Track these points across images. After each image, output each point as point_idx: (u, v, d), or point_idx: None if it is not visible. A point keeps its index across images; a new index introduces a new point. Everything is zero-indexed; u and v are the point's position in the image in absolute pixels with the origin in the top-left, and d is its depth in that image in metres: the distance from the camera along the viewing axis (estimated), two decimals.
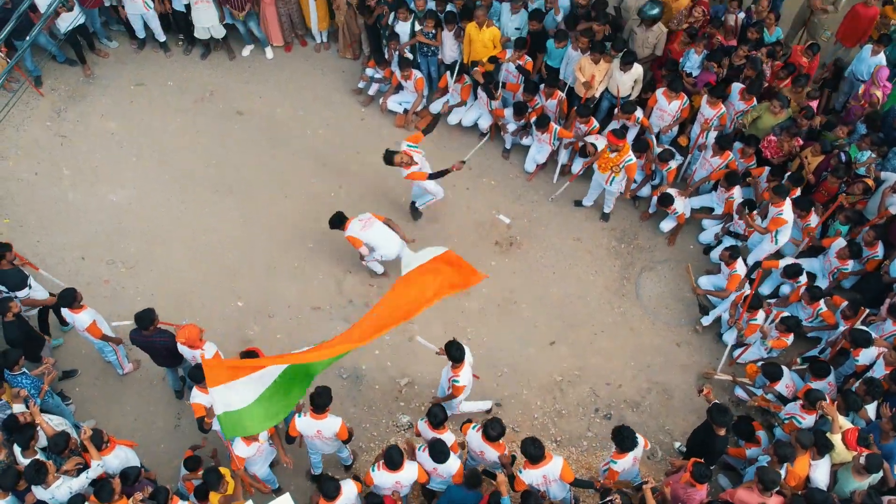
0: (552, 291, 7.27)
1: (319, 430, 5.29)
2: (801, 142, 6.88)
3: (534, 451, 4.96)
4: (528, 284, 7.30)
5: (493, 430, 5.12)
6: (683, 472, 5.22)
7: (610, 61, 7.35)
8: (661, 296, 7.30)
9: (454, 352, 5.60)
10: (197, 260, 7.33)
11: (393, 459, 4.96)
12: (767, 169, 7.01)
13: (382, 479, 5.05)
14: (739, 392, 6.47)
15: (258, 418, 4.73)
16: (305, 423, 5.30)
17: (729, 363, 6.79)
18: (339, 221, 6.64)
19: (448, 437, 5.24)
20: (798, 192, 6.85)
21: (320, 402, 5.17)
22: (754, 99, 7.14)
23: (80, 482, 5.03)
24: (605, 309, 7.20)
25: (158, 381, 6.59)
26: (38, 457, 5.14)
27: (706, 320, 6.99)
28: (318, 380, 6.22)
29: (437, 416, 5.17)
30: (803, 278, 6.53)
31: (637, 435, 5.26)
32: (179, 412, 6.44)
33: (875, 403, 5.71)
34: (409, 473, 5.06)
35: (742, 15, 7.71)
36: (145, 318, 5.66)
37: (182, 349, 5.74)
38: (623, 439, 5.18)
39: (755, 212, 6.83)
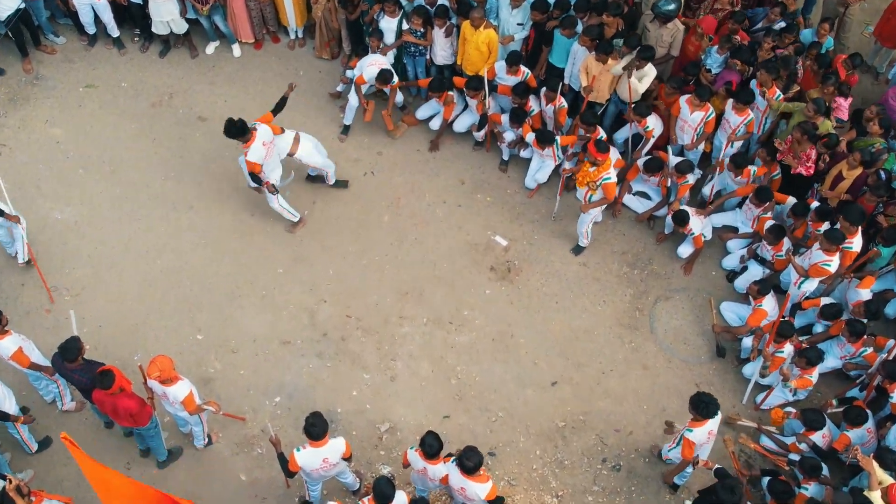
0: (554, 324, 7.40)
1: (326, 458, 5.47)
2: (815, 148, 7.05)
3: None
4: (526, 316, 7.42)
5: (468, 460, 5.18)
6: None
7: (618, 60, 7.46)
8: (679, 329, 7.42)
9: None
10: (151, 286, 7.44)
11: (383, 493, 5.16)
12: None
13: None
14: (766, 442, 6.56)
15: None
16: (308, 456, 5.42)
17: (753, 408, 6.92)
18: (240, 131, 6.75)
19: (440, 469, 5.39)
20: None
21: (317, 430, 5.33)
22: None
23: None
24: (614, 344, 7.31)
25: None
26: None
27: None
28: (296, 412, 6.67)
29: (433, 447, 5.29)
30: (844, 317, 6.75)
31: (718, 404, 5.58)
32: (129, 460, 6.51)
33: None
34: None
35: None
36: (71, 349, 5.72)
37: (154, 386, 5.80)
38: (704, 405, 5.51)
39: (790, 249, 7.00)
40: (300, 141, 7.43)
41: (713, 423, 5.68)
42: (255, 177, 7.05)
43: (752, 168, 7.32)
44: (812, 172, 7.15)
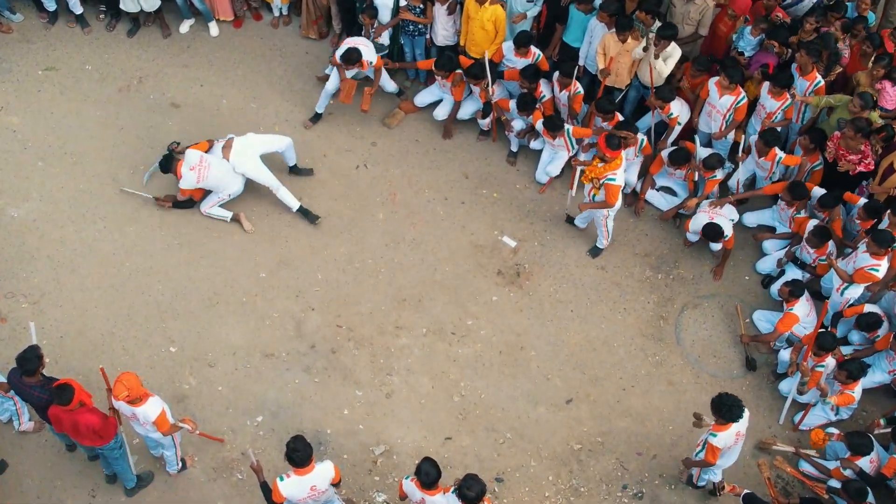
0: (569, 335, 7.37)
1: (314, 485, 5.43)
2: (869, 144, 6.88)
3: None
4: (538, 326, 7.39)
5: (469, 490, 5.09)
6: None
7: (640, 39, 7.35)
8: (708, 340, 7.36)
9: None
10: (118, 292, 7.35)
11: None
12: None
13: None
14: (806, 467, 6.43)
15: None
16: (293, 485, 5.38)
17: (791, 429, 6.81)
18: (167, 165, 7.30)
19: (439, 500, 5.35)
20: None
21: (300, 455, 5.30)
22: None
23: None
24: (636, 357, 7.26)
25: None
26: None
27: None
28: (281, 433, 6.72)
29: (430, 475, 5.24)
30: (883, 329, 6.59)
31: (743, 405, 5.62)
32: (94, 487, 6.36)
33: None
34: None
35: None
36: (30, 360, 5.59)
37: (121, 407, 5.66)
38: (727, 408, 5.53)
39: (832, 252, 6.86)
40: (232, 146, 7.43)
41: (740, 425, 5.71)
42: (187, 202, 7.56)
43: (778, 153, 7.15)
44: (873, 167, 6.99)
